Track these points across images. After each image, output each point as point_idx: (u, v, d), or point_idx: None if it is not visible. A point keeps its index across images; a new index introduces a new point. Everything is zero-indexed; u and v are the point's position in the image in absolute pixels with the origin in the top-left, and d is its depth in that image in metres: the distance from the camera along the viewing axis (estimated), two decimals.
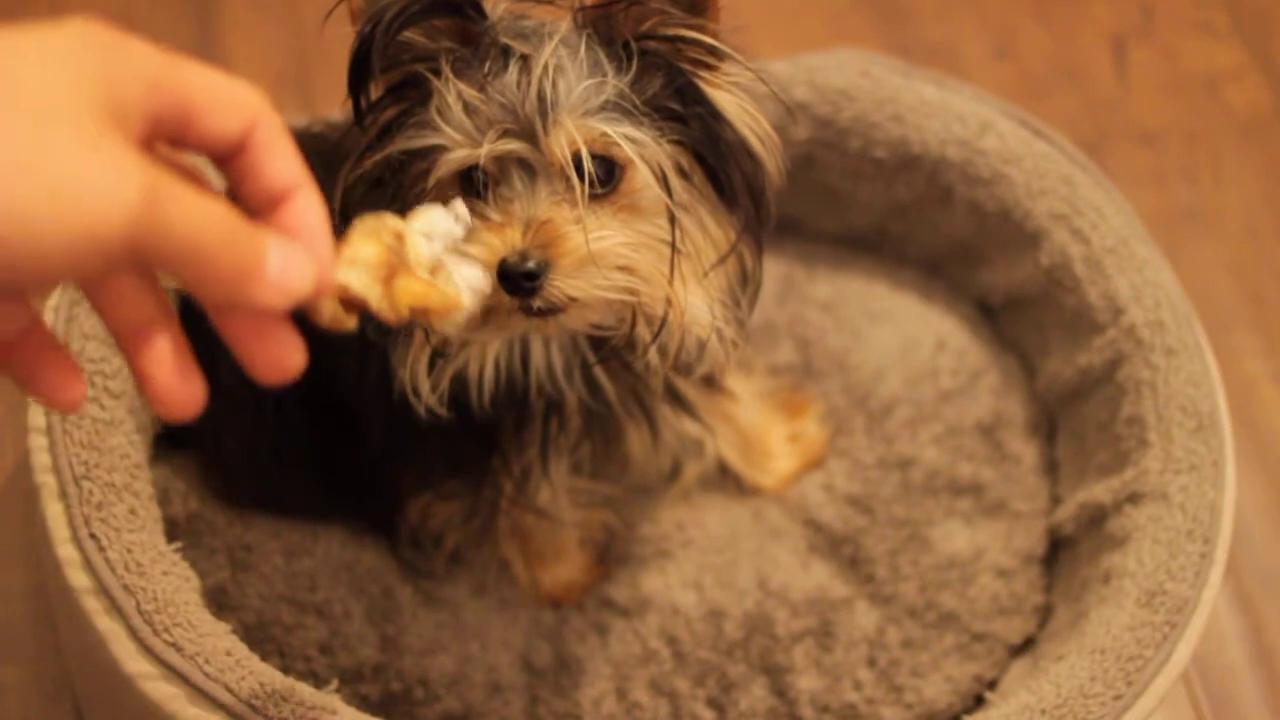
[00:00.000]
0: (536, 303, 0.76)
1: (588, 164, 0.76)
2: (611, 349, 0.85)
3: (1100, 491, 1.03)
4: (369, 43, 0.77)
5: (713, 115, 0.79)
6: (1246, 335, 1.36)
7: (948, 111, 1.14)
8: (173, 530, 1.01)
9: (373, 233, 0.61)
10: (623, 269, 0.77)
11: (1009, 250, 1.15)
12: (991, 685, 1.05)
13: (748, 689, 1.02)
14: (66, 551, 0.89)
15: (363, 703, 0.99)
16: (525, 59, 0.76)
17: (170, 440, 1.05)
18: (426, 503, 1.00)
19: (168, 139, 0.52)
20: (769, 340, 1.18)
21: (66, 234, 0.45)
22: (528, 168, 0.76)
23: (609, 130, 0.76)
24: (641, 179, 0.78)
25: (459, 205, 0.65)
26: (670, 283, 0.79)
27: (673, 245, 0.78)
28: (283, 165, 0.54)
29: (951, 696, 1.03)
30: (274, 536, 1.04)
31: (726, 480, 1.12)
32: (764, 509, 1.11)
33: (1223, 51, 1.55)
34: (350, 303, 0.59)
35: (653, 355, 0.83)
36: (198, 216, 0.49)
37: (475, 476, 0.96)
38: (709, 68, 0.80)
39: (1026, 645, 1.07)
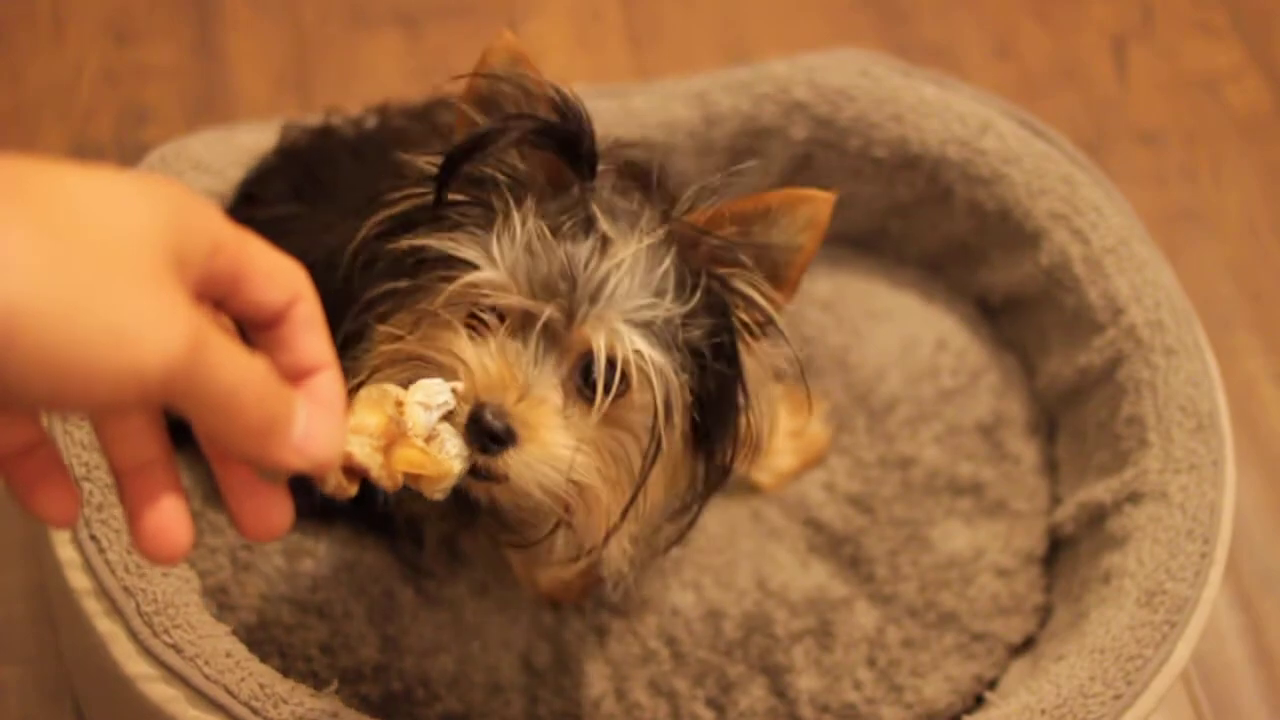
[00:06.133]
0: (483, 462, 0.73)
1: (601, 371, 0.74)
2: (522, 537, 0.84)
3: (1100, 491, 1.03)
4: (489, 141, 0.75)
5: (735, 379, 0.78)
6: (1246, 335, 1.36)
7: (948, 111, 1.14)
8: None
9: (376, 403, 0.64)
10: (576, 486, 0.76)
11: (1009, 250, 1.15)
12: (991, 685, 1.05)
13: (747, 689, 1.02)
14: (67, 552, 0.89)
15: (363, 703, 0.99)
16: (606, 242, 0.74)
17: (171, 440, 1.05)
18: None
19: (214, 300, 0.53)
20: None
21: (114, 371, 0.46)
22: (551, 336, 0.75)
23: (645, 352, 0.74)
24: (642, 404, 0.76)
25: (457, 383, 0.69)
26: (612, 528, 0.78)
27: (636, 490, 0.77)
28: (315, 343, 0.56)
29: (951, 696, 1.03)
30: None
31: None
32: (763, 509, 1.11)
33: (1223, 51, 1.55)
34: (352, 470, 0.62)
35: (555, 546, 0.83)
36: (238, 368, 0.50)
37: None
38: (754, 335, 0.79)
39: (1026, 645, 1.07)
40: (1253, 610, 1.20)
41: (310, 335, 0.56)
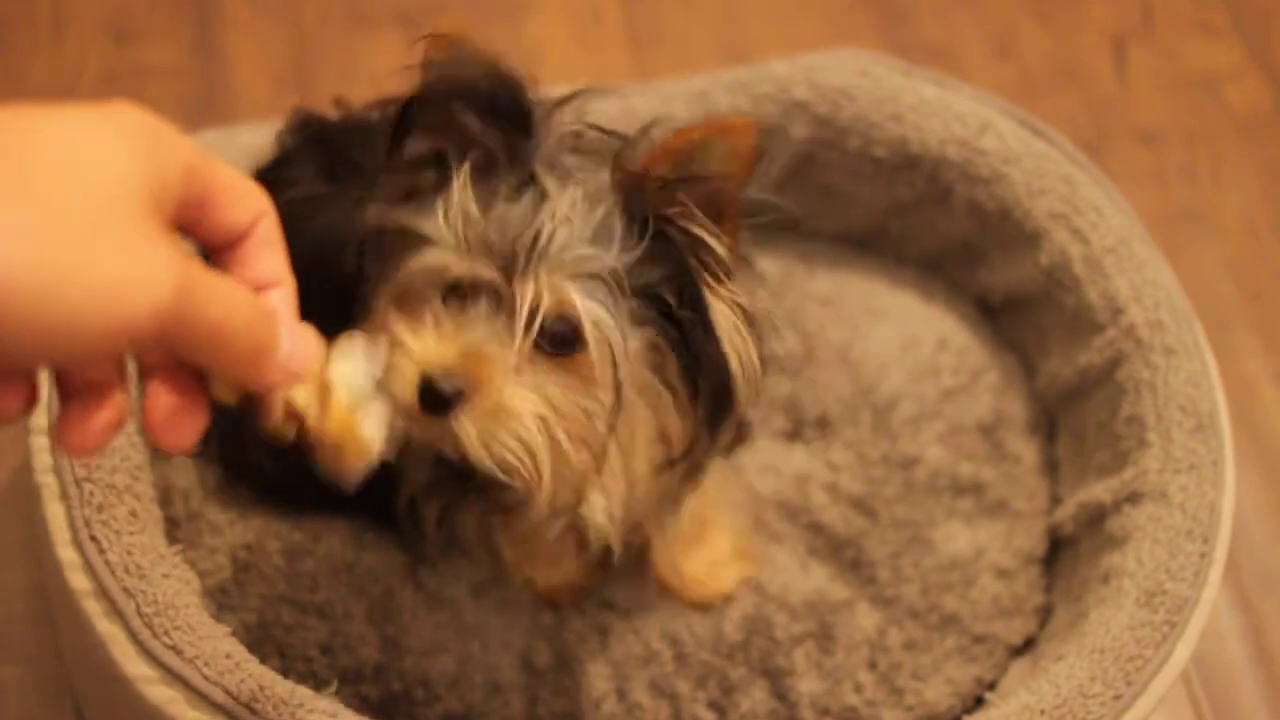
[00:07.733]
0: (437, 426, 0.73)
1: (521, 322, 0.73)
2: (503, 498, 0.83)
3: (1100, 491, 1.03)
4: (417, 100, 0.76)
5: (703, 324, 0.77)
6: (1246, 335, 1.36)
7: (948, 111, 1.14)
8: (173, 530, 1.01)
9: (346, 354, 0.65)
10: (525, 446, 0.75)
11: (1009, 250, 1.15)
12: (991, 686, 1.05)
13: (748, 691, 1.02)
14: (67, 553, 0.89)
15: (363, 703, 0.99)
16: (543, 197, 0.74)
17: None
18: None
19: (185, 225, 0.54)
20: (768, 329, 1.17)
21: (104, 327, 0.47)
22: (497, 296, 0.75)
23: (580, 303, 0.73)
24: (599, 358, 0.76)
25: (381, 343, 0.70)
26: (583, 484, 0.77)
27: (603, 441, 0.76)
28: (273, 260, 0.57)
29: (952, 699, 1.03)
30: (275, 537, 1.04)
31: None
32: (762, 513, 1.11)
33: (1223, 51, 1.55)
34: (291, 415, 0.63)
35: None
36: (225, 301, 0.51)
37: None
38: (718, 278, 0.77)
39: (1026, 645, 1.07)
40: (1253, 610, 1.20)
41: (269, 252, 0.57)
